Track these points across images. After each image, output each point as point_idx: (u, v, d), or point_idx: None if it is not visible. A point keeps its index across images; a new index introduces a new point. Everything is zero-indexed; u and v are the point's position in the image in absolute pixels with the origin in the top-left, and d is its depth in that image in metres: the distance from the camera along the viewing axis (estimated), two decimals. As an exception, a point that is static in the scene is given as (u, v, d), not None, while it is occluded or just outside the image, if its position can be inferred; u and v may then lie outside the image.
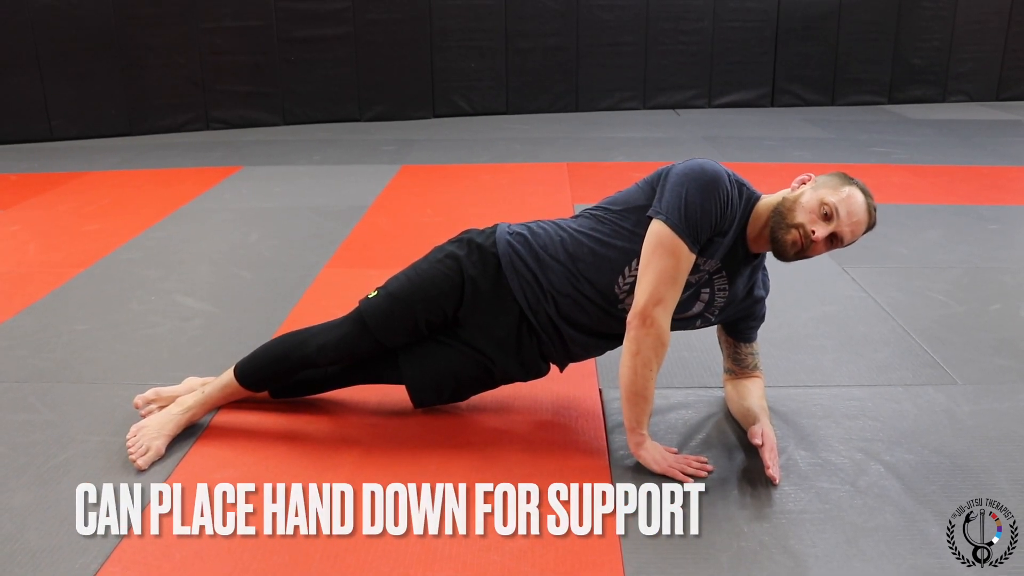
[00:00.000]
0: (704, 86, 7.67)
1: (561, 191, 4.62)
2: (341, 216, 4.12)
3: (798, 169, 5.06)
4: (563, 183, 4.80)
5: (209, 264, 3.48)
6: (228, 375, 2.14)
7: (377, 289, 2.11)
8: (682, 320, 2.02)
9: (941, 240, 3.71)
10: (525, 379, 2.16)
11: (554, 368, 2.19)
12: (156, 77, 6.53)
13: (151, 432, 2.03)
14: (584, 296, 1.99)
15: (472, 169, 5.28)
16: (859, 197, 1.87)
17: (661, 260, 1.85)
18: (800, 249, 1.88)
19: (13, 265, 3.48)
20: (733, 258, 1.96)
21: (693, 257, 1.87)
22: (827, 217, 1.85)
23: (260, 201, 4.53)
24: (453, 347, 2.09)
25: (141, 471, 1.96)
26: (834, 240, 1.88)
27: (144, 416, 2.13)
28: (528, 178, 4.96)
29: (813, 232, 1.84)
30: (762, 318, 2.14)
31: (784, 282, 3.13)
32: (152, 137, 6.50)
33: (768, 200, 1.94)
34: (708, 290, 1.98)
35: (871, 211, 1.89)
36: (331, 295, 3.05)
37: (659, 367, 1.90)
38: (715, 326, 2.16)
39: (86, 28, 6.24)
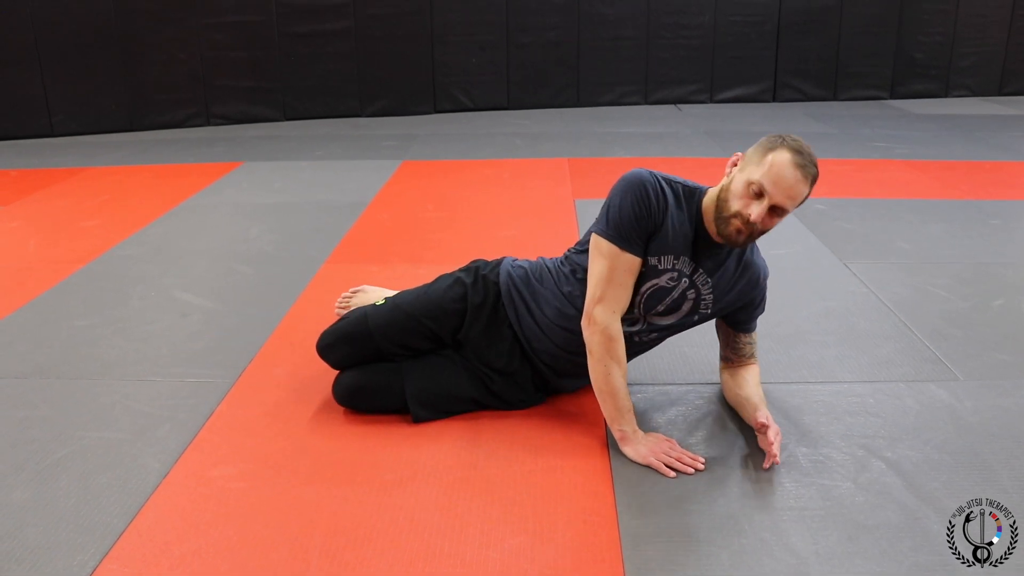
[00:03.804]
0: (706, 81, 7.65)
1: (562, 186, 4.61)
2: (342, 211, 4.11)
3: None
4: (564, 178, 4.79)
5: (209, 260, 3.47)
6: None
7: (386, 299, 2.25)
8: (678, 322, 2.08)
9: (943, 235, 3.70)
10: (518, 406, 2.20)
11: None
12: (157, 73, 6.53)
13: (364, 297, 2.61)
14: (573, 323, 2.06)
15: (473, 164, 5.27)
16: (783, 159, 1.80)
17: (596, 264, 1.97)
18: (748, 234, 1.88)
19: (13, 261, 3.47)
20: (704, 254, 1.99)
21: (630, 256, 1.94)
22: (758, 195, 1.83)
23: (261, 197, 4.52)
24: (457, 365, 2.16)
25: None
26: (777, 211, 1.85)
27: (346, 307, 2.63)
28: (529, 173, 4.95)
29: (750, 215, 1.84)
30: (761, 307, 2.14)
31: (786, 278, 3.12)
32: (153, 133, 6.49)
33: (712, 192, 1.97)
34: (693, 291, 2.02)
35: (802, 167, 1.80)
36: (332, 291, 3.04)
37: (617, 362, 1.96)
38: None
39: (87, 24, 6.24)
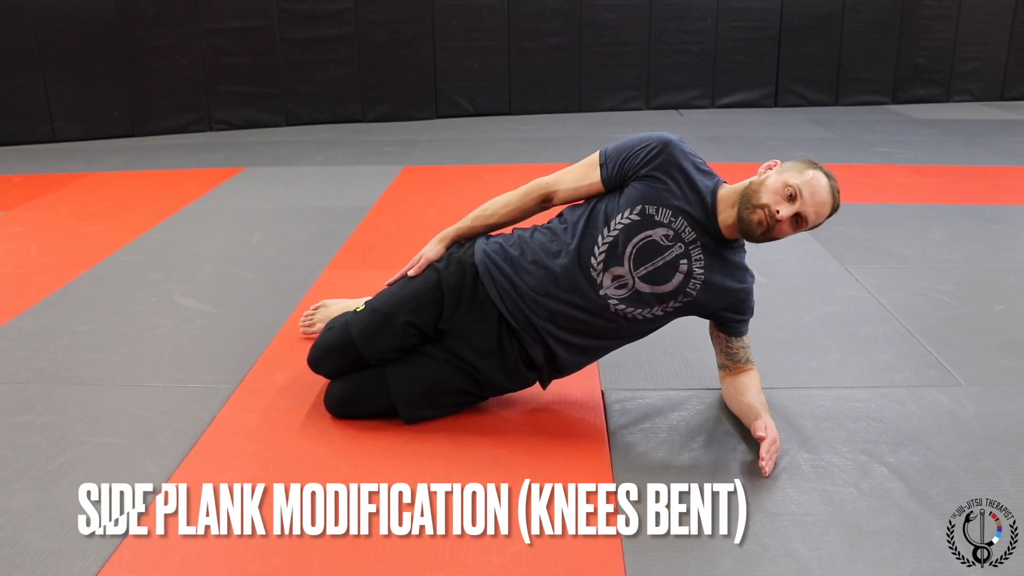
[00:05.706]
0: (707, 86, 7.65)
1: (564, 191, 4.60)
2: (343, 217, 4.12)
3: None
4: (566, 183, 4.79)
5: (211, 265, 3.47)
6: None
7: (365, 303, 2.22)
8: (665, 294, 2.03)
9: (945, 240, 3.70)
10: (511, 388, 2.18)
11: None
12: (159, 78, 6.53)
13: (326, 312, 2.61)
14: (555, 289, 2.06)
15: (475, 170, 5.27)
16: (823, 180, 1.94)
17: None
18: (766, 229, 1.94)
19: (15, 267, 3.48)
20: (708, 235, 2.01)
21: (598, 173, 2.09)
22: (791, 198, 1.92)
23: (262, 202, 4.53)
24: (438, 359, 2.12)
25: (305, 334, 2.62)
26: (799, 221, 1.94)
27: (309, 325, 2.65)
28: (531, 178, 4.94)
29: (777, 212, 1.91)
30: (750, 312, 2.15)
31: (787, 283, 3.13)
32: (154, 138, 6.50)
33: (735, 186, 2.02)
34: (686, 261, 2.01)
35: (834, 193, 1.96)
36: (333, 296, 3.03)
37: (502, 204, 2.22)
38: (707, 323, 2.19)
39: (89, 29, 6.24)
